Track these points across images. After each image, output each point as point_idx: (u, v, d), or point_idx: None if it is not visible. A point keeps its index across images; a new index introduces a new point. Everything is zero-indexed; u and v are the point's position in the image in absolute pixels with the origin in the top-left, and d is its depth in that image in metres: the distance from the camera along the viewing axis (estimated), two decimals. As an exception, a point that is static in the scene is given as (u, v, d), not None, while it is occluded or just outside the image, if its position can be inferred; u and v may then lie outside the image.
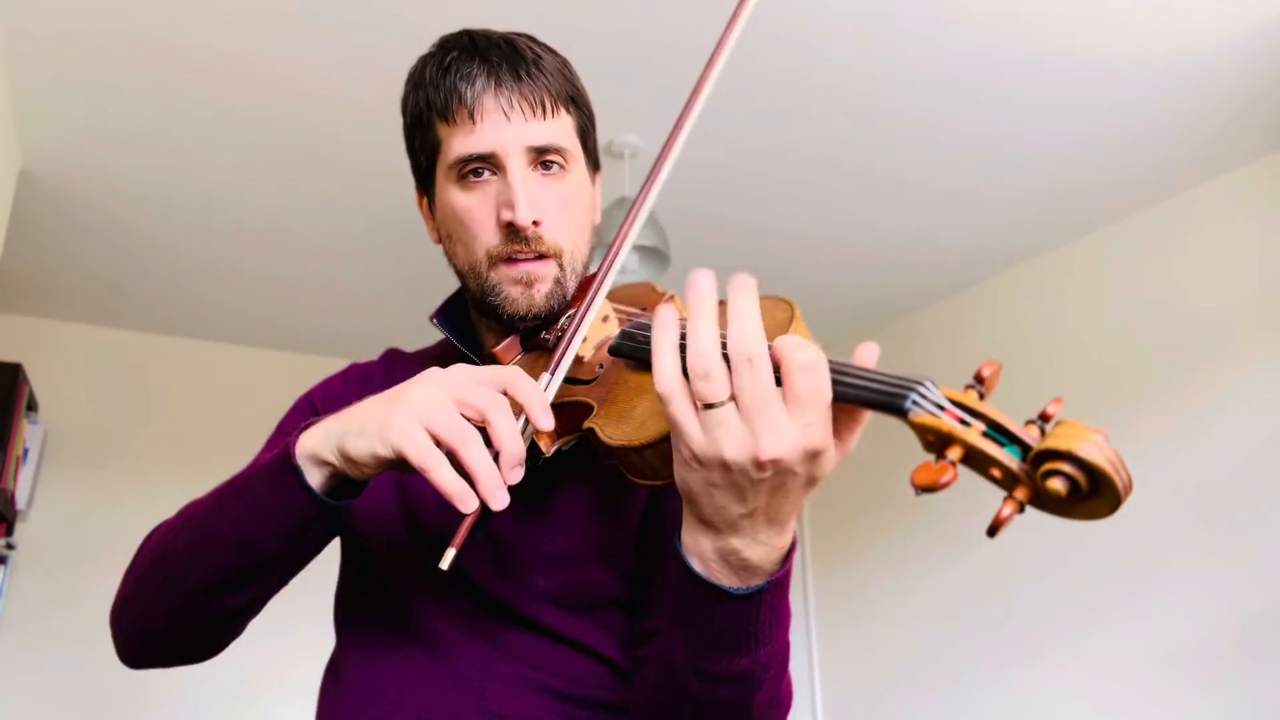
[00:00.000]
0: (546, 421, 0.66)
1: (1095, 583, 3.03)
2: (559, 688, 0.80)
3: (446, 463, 0.63)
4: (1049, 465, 0.45)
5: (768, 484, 0.55)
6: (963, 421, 0.49)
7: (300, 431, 0.71)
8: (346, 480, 0.70)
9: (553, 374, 0.72)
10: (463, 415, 0.65)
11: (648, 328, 0.68)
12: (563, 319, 0.84)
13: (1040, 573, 3.20)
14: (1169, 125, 2.66)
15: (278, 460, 0.71)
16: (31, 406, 3.45)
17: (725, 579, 0.60)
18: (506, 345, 0.85)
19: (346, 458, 0.68)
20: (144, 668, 0.83)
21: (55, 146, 2.67)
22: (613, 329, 0.78)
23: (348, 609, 0.91)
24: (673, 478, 0.60)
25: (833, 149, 2.77)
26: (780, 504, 0.57)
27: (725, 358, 0.54)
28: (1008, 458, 0.47)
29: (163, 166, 2.78)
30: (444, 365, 0.71)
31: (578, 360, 0.77)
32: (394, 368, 0.99)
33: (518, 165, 0.80)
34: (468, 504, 0.62)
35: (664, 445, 0.63)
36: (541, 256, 0.81)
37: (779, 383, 0.53)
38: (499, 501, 0.62)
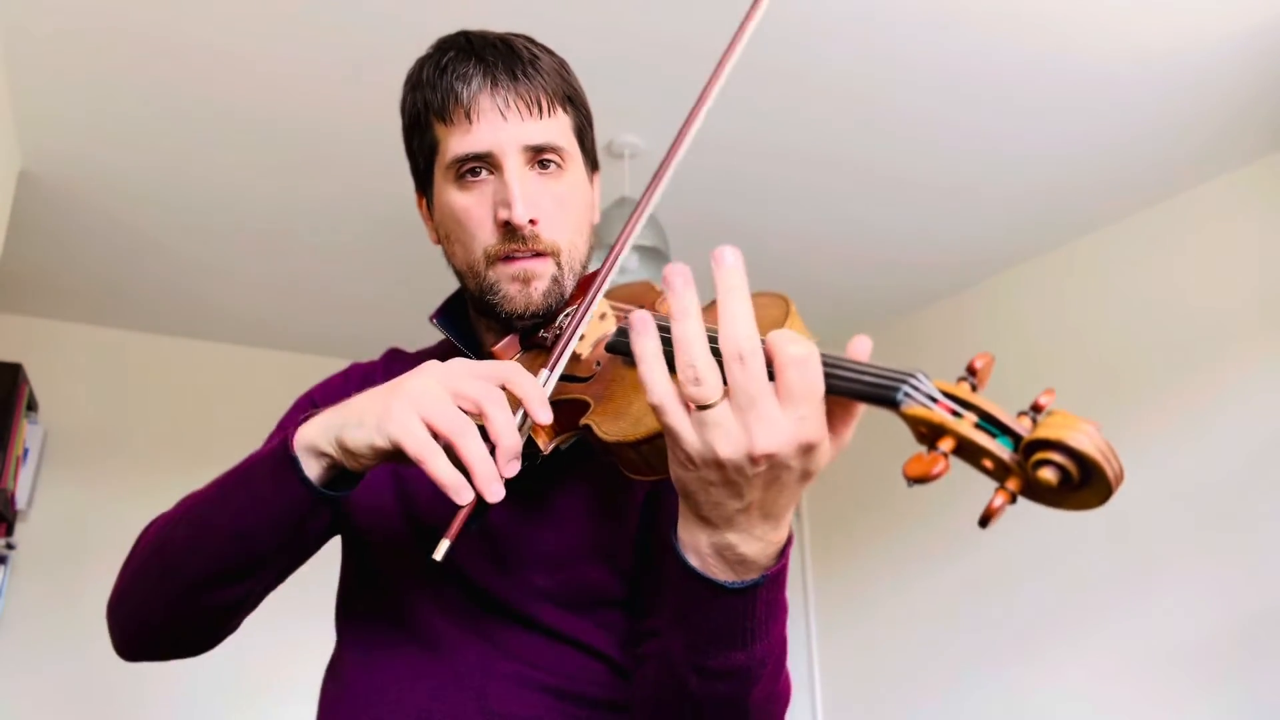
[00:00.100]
0: (545, 415, 0.66)
1: (1095, 583, 3.03)
2: (559, 686, 0.80)
3: (443, 454, 0.63)
4: (1040, 455, 0.45)
5: (762, 478, 0.55)
6: (955, 413, 0.49)
7: (299, 424, 0.72)
8: (344, 472, 0.71)
9: (551, 370, 0.72)
10: (460, 408, 0.65)
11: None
12: (560, 317, 0.84)
13: (1040, 573, 3.20)
14: (1169, 125, 2.66)
15: (276, 452, 0.71)
16: (31, 406, 3.45)
17: (721, 574, 0.60)
18: (505, 344, 0.85)
19: (344, 449, 0.68)
20: (140, 660, 0.83)
21: (55, 146, 2.68)
22: (610, 326, 0.79)
23: (348, 606, 0.91)
24: (669, 473, 0.60)
25: (833, 149, 2.77)
26: (775, 498, 0.57)
27: (716, 352, 0.54)
28: (999, 448, 0.48)
29: (163, 166, 2.79)
30: None
31: (575, 358, 0.77)
32: (395, 368, 0.99)
33: (514, 164, 0.81)
34: (463, 496, 0.62)
35: (659, 441, 0.63)
36: (539, 255, 0.82)
37: (772, 377, 0.53)
38: (494, 494, 0.63)
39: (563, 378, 0.75)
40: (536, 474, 0.80)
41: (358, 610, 0.89)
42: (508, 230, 0.81)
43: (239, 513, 0.72)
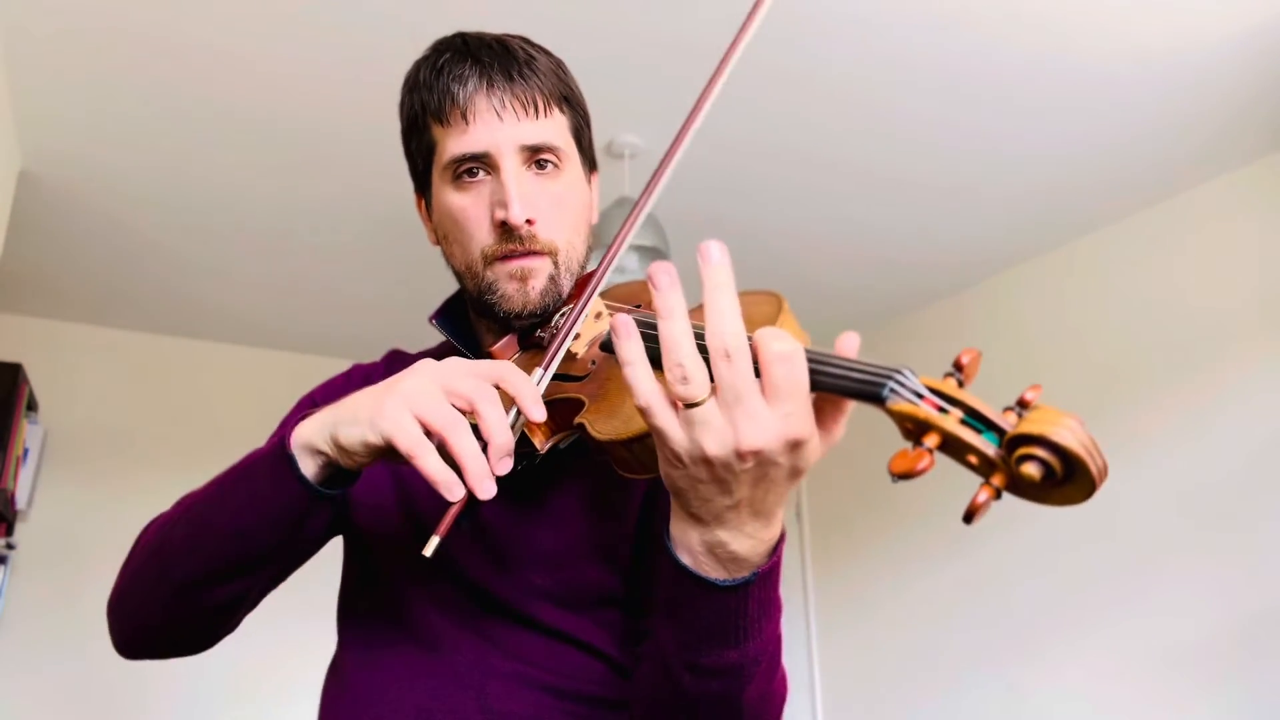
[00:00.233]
0: (538, 413, 0.67)
1: (1094, 582, 3.03)
2: (558, 685, 0.80)
3: (434, 451, 0.64)
4: (1023, 450, 0.45)
5: (750, 475, 0.55)
6: (940, 409, 0.49)
7: (296, 423, 0.72)
8: (340, 470, 0.71)
9: (545, 369, 0.73)
10: (453, 405, 0.65)
11: (641, 323, 0.68)
12: (556, 317, 0.84)
13: (1039, 572, 3.20)
14: (1169, 125, 2.66)
15: (273, 450, 0.72)
16: (31, 406, 3.45)
17: (713, 571, 0.61)
18: (504, 344, 0.86)
19: (339, 446, 0.68)
20: (139, 658, 0.84)
21: (55, 146, 2.68)
22: (605, 326, 0.79)
23: (349, 606, 0.91)
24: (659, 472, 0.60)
25: (833, 149, 2.77)
26: (764, 495, 0.57)
27: (703, 349, 0.54)
28: (984, 444, 0.48)
29: (163, 166, 2.79)
30: None
31: (570, 357, 0.77)
32: (396, 369, 0.99)
33: (511, 164, 0.81)
34: (454, 492, 0.63)
35: (650, 439, 0.63)
36: (536, 254, 0.82)
37: (758, 374, 0.54)
38: (485, 491, 0.63)
39: (558, 377, 0.75)
40: (535, 473, 0.81)
41: (358, 609, 0.89)
42: (505, 230, 0.81)
43: (237, 511, 0.73)
